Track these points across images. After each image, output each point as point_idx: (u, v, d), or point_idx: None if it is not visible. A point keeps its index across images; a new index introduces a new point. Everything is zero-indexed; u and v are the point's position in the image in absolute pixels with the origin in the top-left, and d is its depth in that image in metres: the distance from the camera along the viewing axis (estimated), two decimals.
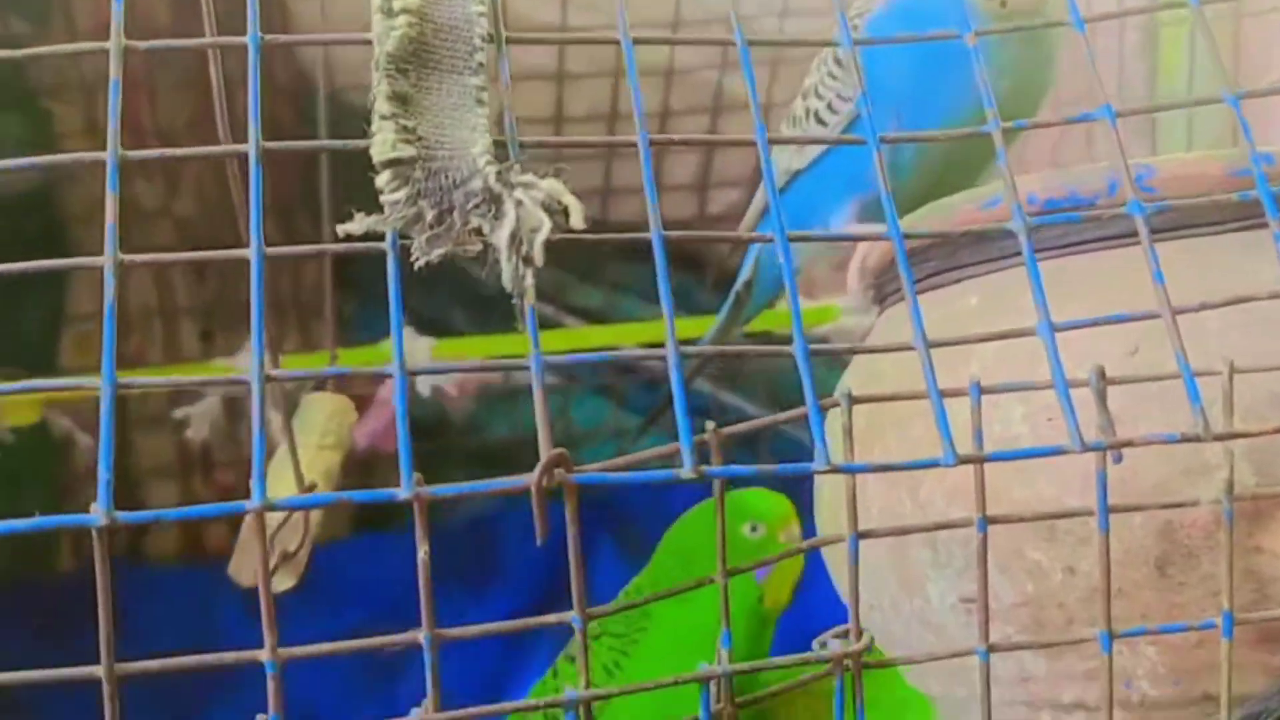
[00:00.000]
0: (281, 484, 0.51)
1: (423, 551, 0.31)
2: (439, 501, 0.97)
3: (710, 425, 0.33)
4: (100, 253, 0.95)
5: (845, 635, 0.34)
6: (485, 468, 0.99)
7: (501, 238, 0.31)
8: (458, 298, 0.92)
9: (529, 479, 0.31)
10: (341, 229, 0.31)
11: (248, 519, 0.52)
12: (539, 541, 0.31)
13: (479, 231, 0.31)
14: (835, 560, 0.47)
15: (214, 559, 0.94)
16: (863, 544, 0.44)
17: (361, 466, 0.96)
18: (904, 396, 0.33)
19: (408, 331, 0.82)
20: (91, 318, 0.88)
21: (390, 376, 0.32)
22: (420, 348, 0.81)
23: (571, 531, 0.31)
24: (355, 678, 0.92)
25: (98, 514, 0.29)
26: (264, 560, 0.30)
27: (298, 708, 0.32)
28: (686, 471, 0.31)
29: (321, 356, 0.81)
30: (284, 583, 0.49)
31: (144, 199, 0.87)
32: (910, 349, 0.33)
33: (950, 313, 0.43)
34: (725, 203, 0.94)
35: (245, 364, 0.81)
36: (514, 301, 0.32)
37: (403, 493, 0.30)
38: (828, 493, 0.46)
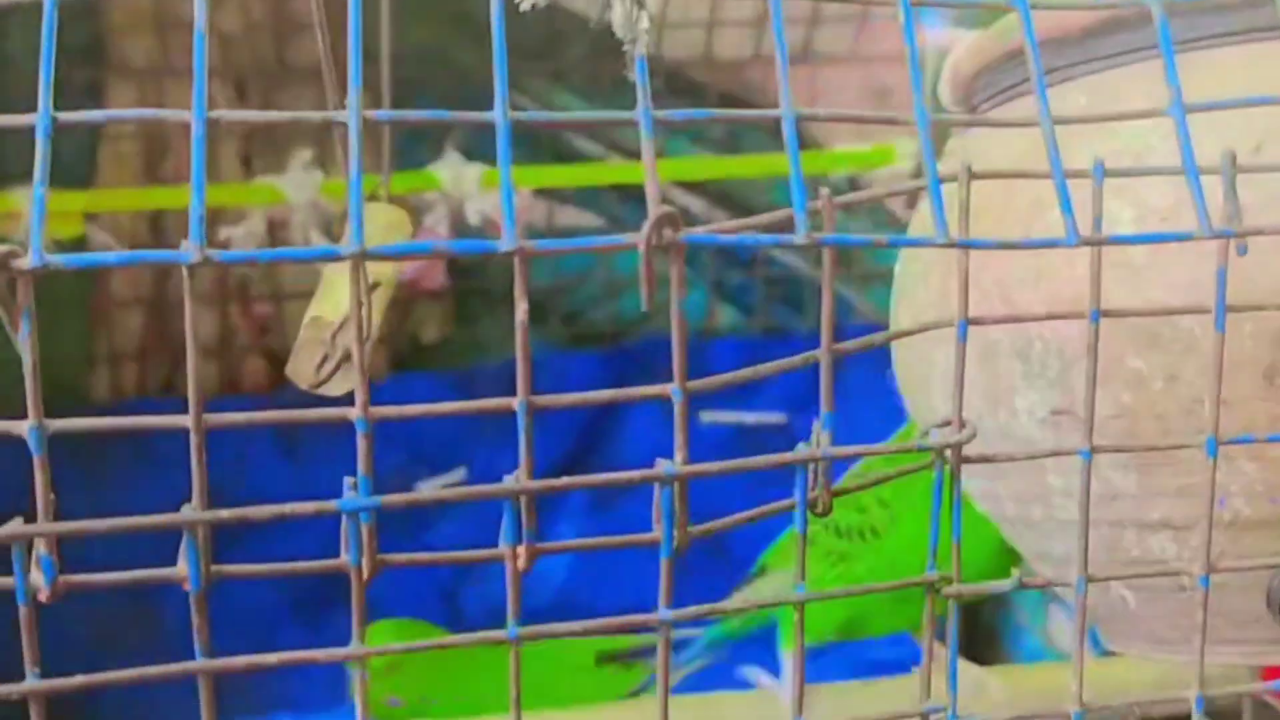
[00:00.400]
0: (337, 290, 0.50)
1: (521, 311, 0.29)
2: (480, 343, 0.96)
3: (824, 191, 0.31)
4: (142, 66, 0.93)
5: (948, 425, 0.33)
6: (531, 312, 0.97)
7: None
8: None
9: (638, 237, 0.29)
10: None
11: (309, 316, 0.51)
12: (645, 306, 0.29)
13: None
14: (907, 367, 0.46)
15: (250, 396, 0.93)
16: (944, 357, 0.43)
17: (400, 305, 0.95)
18: (1027, 174, 0.32)
19: (456, 158, 0.81)
20: (128, 136, 0.87)
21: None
22: (469, 175, 0.79)
23: (675, 297, 0.30)
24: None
25: (190, 250, 0.27)
26: (359, 321, 0.29)
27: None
28: (799, 237, 0.30)
29: (370, 179, 0.79)
30: (343, 385, 0.48)
31: (183, 8, 0.84)
32: (1033, 124, 0.31)
33: (1056, 113, 0.41)
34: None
35: (290, 184, 0.79)
36: (625, 49, 0.30)
37: (505, 244, 0.29)
38: (910, 291, 0.45)
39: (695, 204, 0.95)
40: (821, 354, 0.32)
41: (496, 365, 0.97)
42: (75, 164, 0.84)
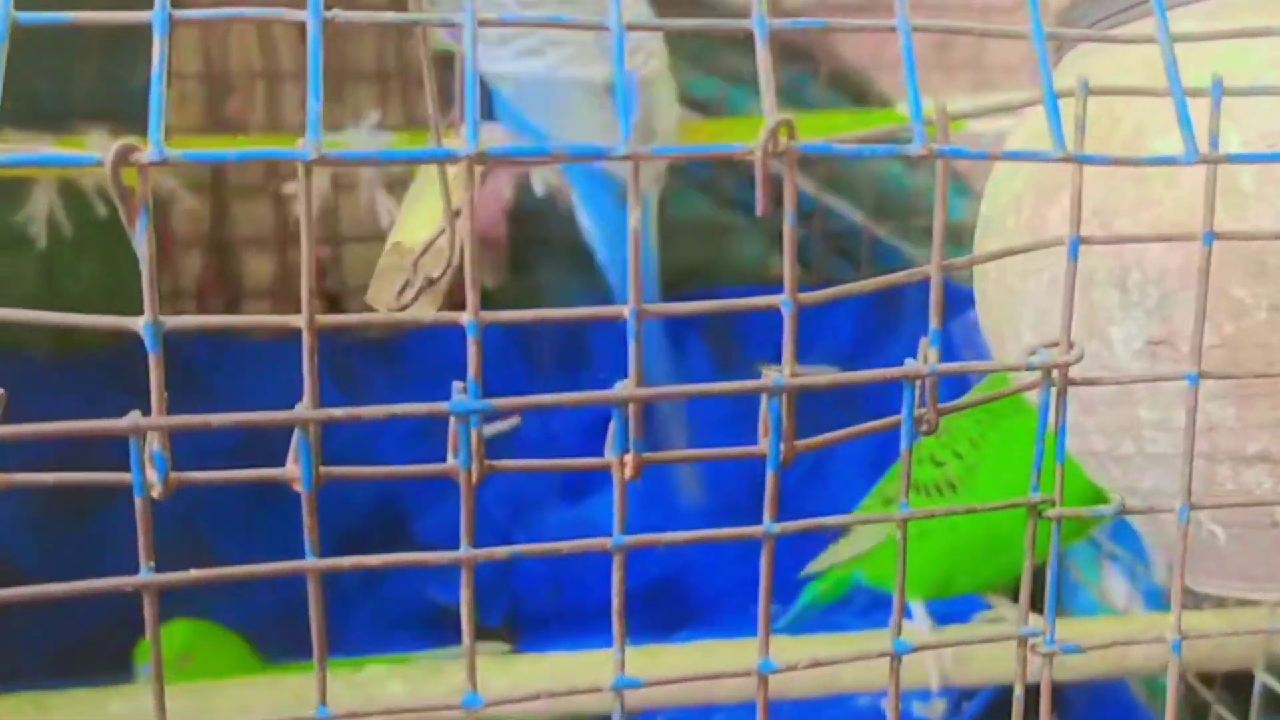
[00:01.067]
0: (421, 214, 0.50)
1: (634, 218, 0.29)
2: (537, 291, 0.97)
3: (940, 103, 0.30)
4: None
5: (1054, 346, 0.32)
6: (582, 262, 0.97)
7: None
8: None
9: (753, 145, 0.29)
10: None
11: (390, 243, 0.51)
12: (759, 213, 0.29)
13: None
14: (994, 303, 0.45)
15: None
16: (1038, 284, 0.43)
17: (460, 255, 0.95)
18: (1145, 92, 0.31)
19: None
20: (192, 77, 0.87)
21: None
22: None
23: (788, 207, 0.30)
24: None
25: (307, 147, 0.27)
26: (470, 209, 0.28)
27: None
28: (916, 147, 0.29)
29: (419, 136, 0.79)
30: (424, 311, 0.48)
31: None
32: (1152, 40, 0.31)
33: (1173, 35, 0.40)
34: None
35: (351, 138, 0.79)
36: None
37: (619, 148, 0.28)
38: (998, 222, 0.44)
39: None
40: (932, 269, 0.31)
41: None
42: (143, 105, 0.84)
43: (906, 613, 0.68)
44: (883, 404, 0.31)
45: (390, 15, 0.30)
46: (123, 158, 0.27)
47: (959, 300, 0.90)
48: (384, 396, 0.96)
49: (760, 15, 0.30)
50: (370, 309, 0.50)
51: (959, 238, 0.98)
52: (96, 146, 0.72)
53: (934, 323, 0.31)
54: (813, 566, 0.73)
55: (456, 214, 0.49)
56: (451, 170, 0.59)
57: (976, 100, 0.89)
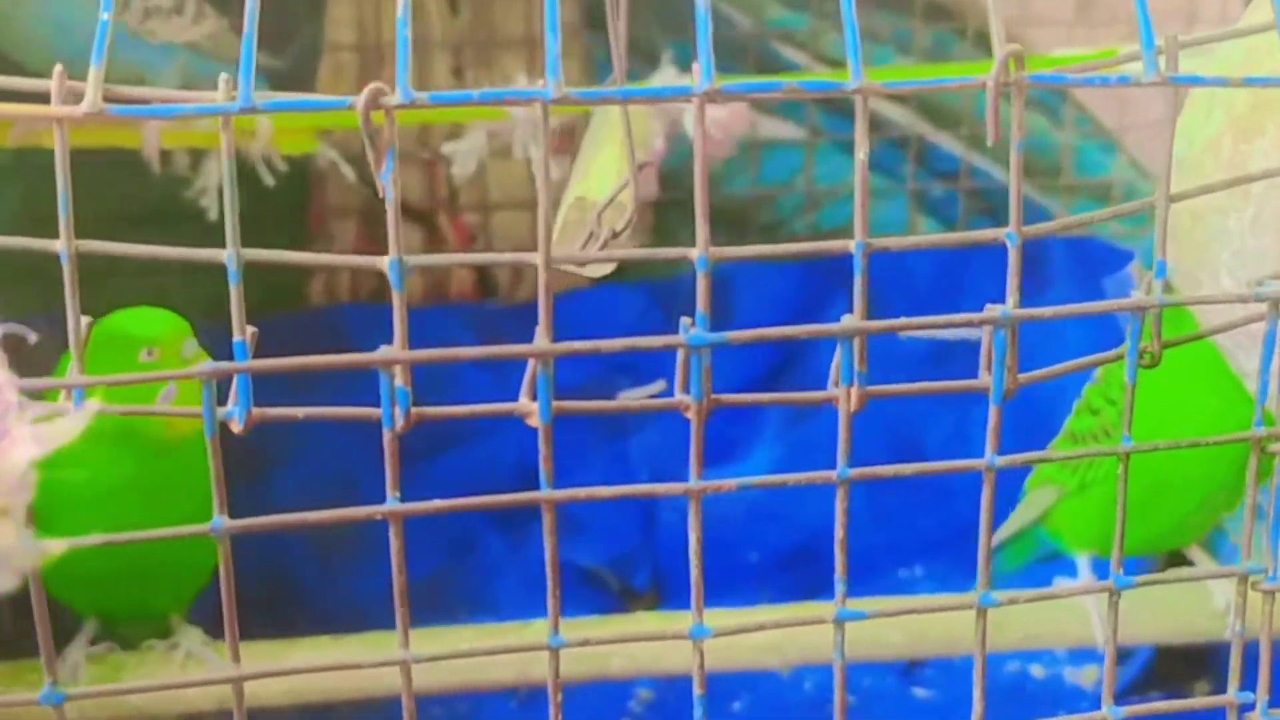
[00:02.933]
0: (602, 166, 0.51)
1: (861, 152, 0.29)
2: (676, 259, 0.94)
3: (1170, 36, 0.30)
4: None
5: None
6: (724, 224, 0.98)
7: None
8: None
9: (987, 77, 0.29)
10: None
11: (572, 196, 0.51)
12: (990, 142, 0.29)
13: None
14: (1189, 249, 0.45)
15: (457, 305, 0.96)
16: (1239, 224, 0.42)
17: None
18: None
19: (671, 71, 0.81)
20: (349, 47, 0.88)
21: None
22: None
23: (1015, 137, 0.30)
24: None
25: (550, 87, 0.28)
26: (702, 145, 0.29)
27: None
28: (1149, 76, 0.29)
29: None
30: (606, 266, 0.49)
31: None
32: None
33: None
34: None
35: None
36: None
37: (852, 84, 0.29)
38: (1195, 166, 0.43)
39: (899, 114, 0.93)
40: (1159, 200, 0.31)
41: (695, 276, 0.97)
42: (300, 78, 0.86)
43: (1071, 569, 0.68)
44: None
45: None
46: (373, 101, 0.28)
47: (1113, 259, 0.88)
48: (522, 361, 0.98)
49: None
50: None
51: (1107, 194, 0.97)
52: (262, 119, 0.73)
53: (1159, 253, 0.31)
54: (998, 536, 0.73)
55: (642, 167, 0.50)
56: (638, 129, 0.60)
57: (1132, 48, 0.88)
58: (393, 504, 0.30)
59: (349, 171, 0.81)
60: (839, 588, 0.32)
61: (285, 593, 0.84)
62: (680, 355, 0.30)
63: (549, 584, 0.31)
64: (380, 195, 0.28)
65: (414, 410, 0.30)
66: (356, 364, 0.29)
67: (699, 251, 0.30)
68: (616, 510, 0.96)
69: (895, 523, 0.92)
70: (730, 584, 0.90)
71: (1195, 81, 0.29)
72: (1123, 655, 0.86)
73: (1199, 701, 0.34)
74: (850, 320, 0.30)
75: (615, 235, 0.49)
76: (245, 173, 0.78)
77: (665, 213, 0.94)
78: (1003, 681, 0.90)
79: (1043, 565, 0.73)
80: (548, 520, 0.30)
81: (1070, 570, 0.68)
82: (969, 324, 0.30)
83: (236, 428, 0.30)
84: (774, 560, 1.00)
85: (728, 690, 0.88)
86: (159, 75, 0.74)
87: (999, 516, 0.76)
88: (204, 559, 0.65)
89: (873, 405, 0.30)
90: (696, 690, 0.32)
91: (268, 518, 0.29)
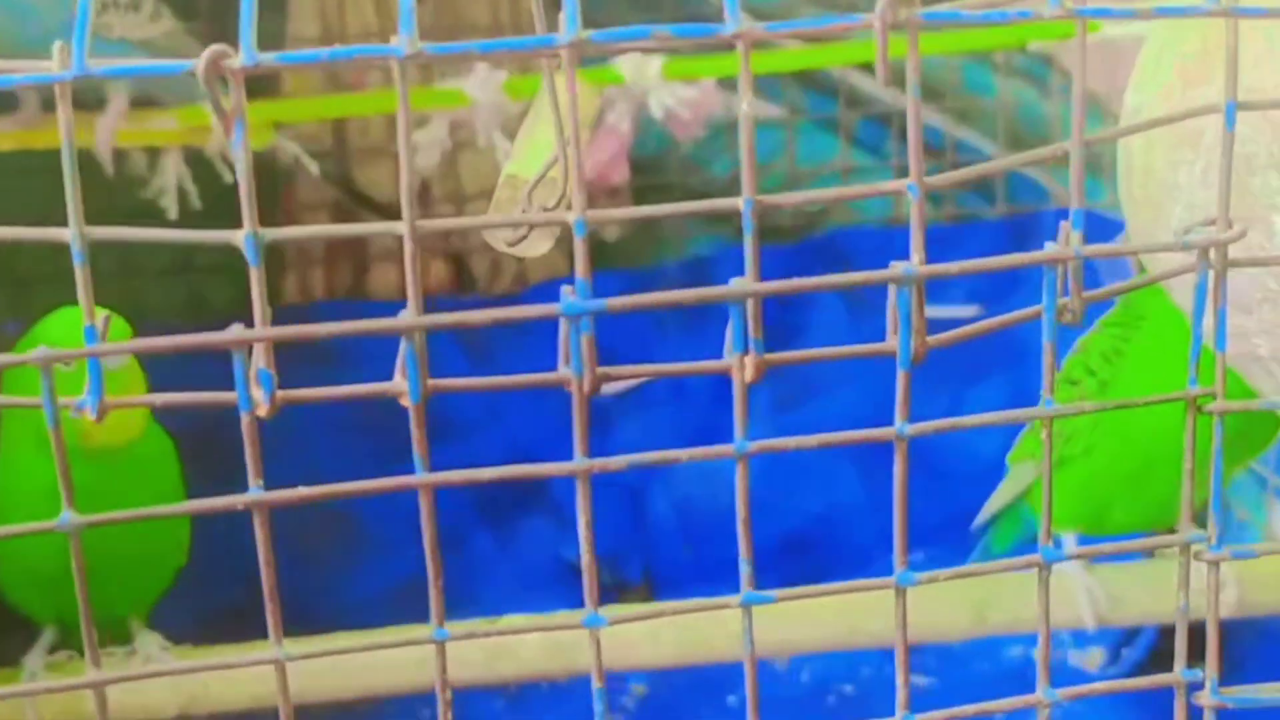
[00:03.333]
0: (534, 144, 0.49)
1: (746, 103, 0.27)
2: (660, 241, 0.94)
3: None
4: None
5: (1213, 225, 0.30)
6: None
7: None
8: (679, 21, 0.87)
9: (872, 17, 0.27)
10: None
11: (504, 174, 0.50)
12: (881, 83, 0.27)
13: None
14: (1141, 201, 0.43)
15: (434, 297, 0.94)
16: (1189, 176, 0.40)
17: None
18: None
19: (636, 53, 0.79)
20: (312, 40, 0.87)
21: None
22: (651, 68, 0.78)
23: (911, 79, 0.28)
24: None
25: (402, 43, 0.26)
26: (574, 100, 0.27)
27: None
28: (1053, 8, 0.27)
29: (535, 80, 0.78)
30: (541, 245, 0.47)
31: None
32: None
33: None
34: None
35: (473, 84, 0.79)
36: None
37: (729, 27, 0.27)
38: (1148, 112, 0.41)
39: (880, 89, 0.91)
40: (1072, 145, 0.29)
41: (677, 263, 0.95)
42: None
43: (1057, 544, 0.66)
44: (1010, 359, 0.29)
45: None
46: (214, 64, 0.27)
47: (1108, 229, 0.86)
48: (510, 354, 0.96)
49: None
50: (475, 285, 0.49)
51: (1099, 162, 0.94)
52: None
53: (1074, 203, 0.29)
54: (983, 515, 0.70)
55: (569, 143, 0.48)
56: (563, 100, 0.58)
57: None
58: (255, 493, 0.28)
59: (313, 166, 0.80)
60: (744, 569, 0.30)
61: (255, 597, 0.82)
62: (562, 327, 0.28)
63: (584, 564, 0.29)
64: (355, 191, 0.26)
65: (279, 394, 0.28)
66: (207, 345, 0.27)
67: (575, 216, 0.28)
68: (606, 503, 0.95)
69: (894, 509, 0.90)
70: (724, 574, 0.88)
71: (1102, 14, 0.27)
72: (1128, 637, 0.84)
73: (1142, 682, 0.32)
74: (741, 283, 0.28)
75: (546, 212, 0.47)
76: (205, 168, 0.77)
77: (643, 198, 0.92)
78: (1006, 665, 0.88)
79: (1033, 544, 0.72)
80: (424, 505, 0.29)
81: (1058, 548, 0.66)
82: (871, 281, 0.28)
83: (90, 415, 0.28)
84: (768, 549, 0.98)
85: (723, 683, 0.86)
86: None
87: (986, 492, 0.74)
88: (162, 563, 0.64)
89: (862, 390, 0.28)
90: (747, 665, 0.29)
91: (120, 514, 0.27)
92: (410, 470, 0.28)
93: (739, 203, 0.29)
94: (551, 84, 0.46)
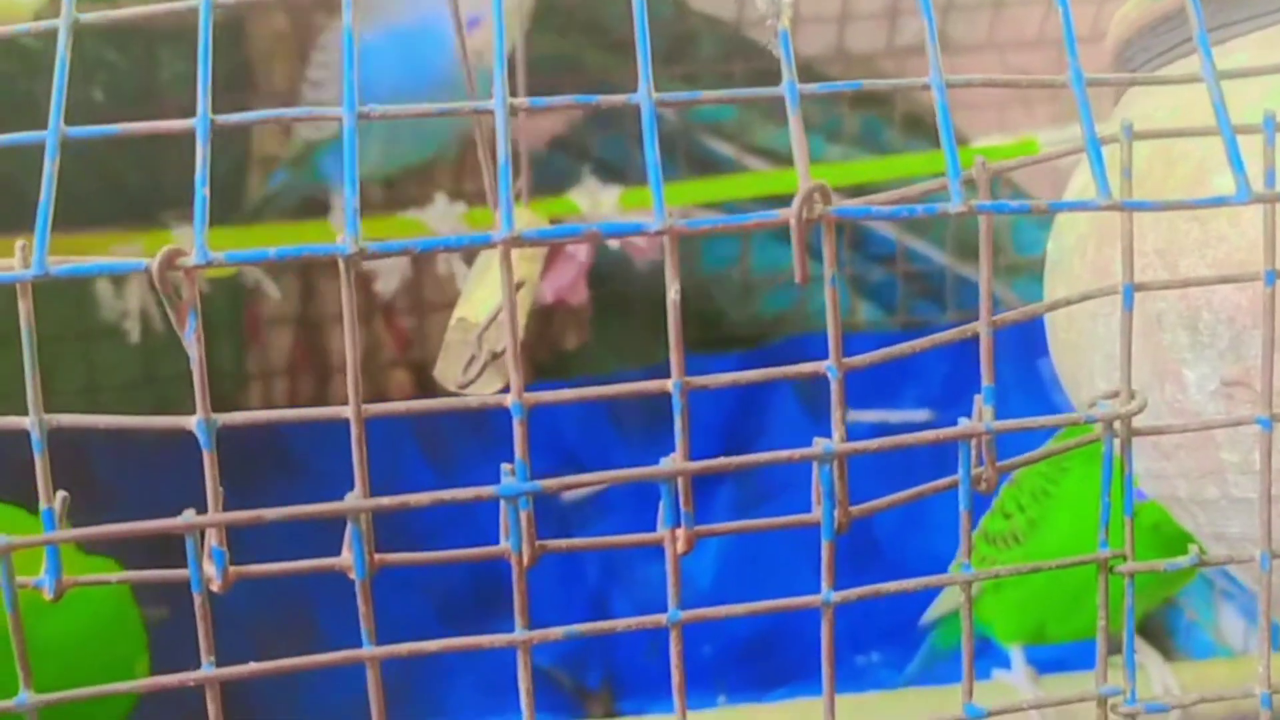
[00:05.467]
0: (482, 292, 0.51)
1: (673, 291, 0.29)
2: (619, 351, 0.96)
3: (979, 159, 0.30)
4: (284, 90, 0.95)
5: (1115, 397, 0.32)
6: (666, 319, 0.97)
7: None
8: (637, 140, 0.90)
9: (788, 212, 0.29)
10: None
11: (455, 317, 0.51)
12: (798, 281, 0.29)
13: None
14: (1064, 347, 0.44)
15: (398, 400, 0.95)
16: (1105, 329, 0.42)
17: (542, 317, 0.96)
18: (1191, 132, 0.30)
19: (593, 182, 0.81)
20: (277, 159, 0.89)
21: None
22: (607, 198, 0.80)
23: (828, 272, 0.29)
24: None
25: (346, 242, 0.28)
26: (512, 307, 0.29)
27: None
28: (955, 205, 0.29)
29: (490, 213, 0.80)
30: (492, 384, 0.48)
31: (326, 37, 0.87)
32: (1198, 80, 0.30)
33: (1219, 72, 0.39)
34: (917, 32, 0.89)
35: (432, 217, 0.81)
36: (768, 23, 0.30)
37: (654, 224, 0.28)
38: (1065, 265, 0.43)
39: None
40: (981, 326, 0.31)
41: (637, 371, 0.97)
42: (227, 189, 0.86)
43: (1005, 661, 0.67)
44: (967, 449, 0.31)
45: (427, 106, 0.30)
46: (168, 263, 0.28)
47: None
48: (473, 463, 0.97)
49: (790, 81, 0.30)
50: (440, 384, 0.51)
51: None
52: (183, 240, 0.74)
53: (986, 379, 0.31)
54: (931, 614, 0.72)
55: (518, 286, 0.49)
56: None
57: (1055, 133, 0.88)
58: (208, 670, 0.29)
59: (274, 290, 0.82)
60: None
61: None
62: (502, 506, 0.30)
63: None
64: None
65: (231, 570, 0.29)
66: (163, 531, 0.28)
67: (512, 399, 0.29)
68: (568, 607, 0.95)
69: (852, 610, 0.91)
70: (686, 678, 0.89)
71: (1001, 209, 0.29)
72: None
73: None
74: (671, 461, 0.30)
75: (495, 356, 0.48)
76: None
77: (603, 309, 0.94)
78: None
79: (978, 643, 0.73)
80: (371, 677, 0.30)
81: (1003, 659, 0.67)
82: (792, 459, 0.30)
83: (47, 595, 0.29)
84: (730, 653, 0.99)
85: None
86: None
87: (931, 596, 0.75)
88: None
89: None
90: None
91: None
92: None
93: (669, 383, 0.30)
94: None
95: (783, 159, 0.90)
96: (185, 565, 0.28)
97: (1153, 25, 0.42)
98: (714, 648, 0.98)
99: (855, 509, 0.30)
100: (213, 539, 0.29)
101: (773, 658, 0.97)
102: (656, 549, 0.30)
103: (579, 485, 0.30)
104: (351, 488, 0.29)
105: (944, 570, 0.32)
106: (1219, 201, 0.29)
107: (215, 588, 0.29)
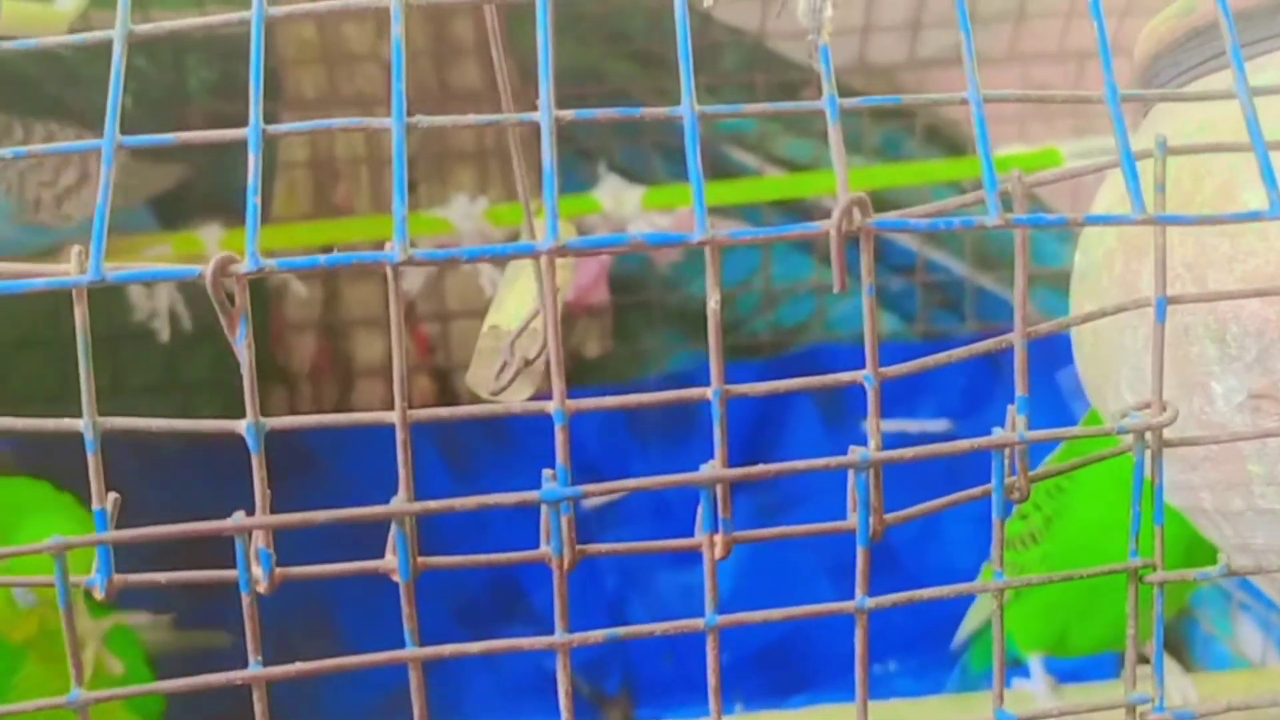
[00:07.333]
0: (514, 299, 0.51)
1: (714, 300, 0.30)
2: (641, 358, 0.96)
3: (1015, 172, 0.31)
4: (312, 98, 0.95)
5: (1145, 408, 0.32)
6: (685, 325, 0.98)
7: None
8: (659, 147, 0.90)
9: (828, 224, 0.29)
10: None
11: (487, 325, 0.52)
12: (837, 290, 0.29)
13: None
14: (1091, 359, 0.45)
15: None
16: (1133, 342, 0.42)
17: (563, 323, 0.96)
18: (1225, 148, 0.31)
19: (617, 180, 0.82)
20: (300, 165, 0.90)
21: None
22: (630, 197, 0.80)
23: (865, 283, 0.30)
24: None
25: (394, 250, 0.28)
26: (552, 301, 0.29)
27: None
28: (993, 218, 0.29)
29: (516, 208, 0.80)
30: (522, 391, 0.49)
31: (352, 42, 0.88)
32: (1231, 96, 0.31)
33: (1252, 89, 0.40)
34: (938, 45, 0.90)
35: (455, 214, 0.81)
36: (810, 38, 0.30)
37: (696, 235, 0.29)
38: (1093, 278, 0.44)
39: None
40: (1015, 337, 0.31)
41: (658, 378, 0.97)
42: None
43: (1024, 671, 0.67)
44: (987, 462, 0.31)
45: (472, 117, 0.31)
46: (222, 270, 0.29)
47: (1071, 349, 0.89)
48: (493, 471, 0.98)
49: (831, 95, 0.30)
50: (470, 390, 0.51)
51: (1066, 283, 0.97)
52: (210, 243, 0.75)
53: (1020, 389, 0.31)
54: (962, 633, 0.72)
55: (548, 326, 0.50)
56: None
57: (1076, 144, 0.89)
58: (255, 669, 0.29)
59: (301, 289, 0.82)
60: None
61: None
62: (543, 510, 0.30)
63: None
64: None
65: (278, 571, 0.30)
66: (210, 532, 0.29)
67: (555, 405, 0.30)
68: (586, 613, 0.96)
69: (871, 620, 0.92)
70: (704, 685, 0.89)
71: (1037, 223, 0.30)
72: None
73: None
74: (711, 468, 0.30)
75: (528, 363, 0.49)
76: (196, 292, 0.79)
77: (624, 316, 0.95)
78: None
79: (1011, 666, 0.73)
80: (414, 678, 0.30)
81: (1023, 669, 0.68)
82: (829, 467, 0.30)
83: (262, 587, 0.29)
84: (745, 659, 0.99)
85: None
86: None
87: (964, 604, 0.75)
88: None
89: (843, 498, 0.30)
90: None
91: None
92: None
93: (708, 391, 0.31)
94: (533, 233, 0.49)
95: (801, 169, 0.91)
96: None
97: (1181, 41, 0.43)
98: (730, 656, 0.99)
99: (890, 516, 0.31)
100: (259, 541, 0.30)
101: (788, 666, 0.97)
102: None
103: (620, 490, 0.30)
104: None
105: (965, 579, 0.33)
106: (1253, 216, 0.30)
107: (261, 589, 0.30)
